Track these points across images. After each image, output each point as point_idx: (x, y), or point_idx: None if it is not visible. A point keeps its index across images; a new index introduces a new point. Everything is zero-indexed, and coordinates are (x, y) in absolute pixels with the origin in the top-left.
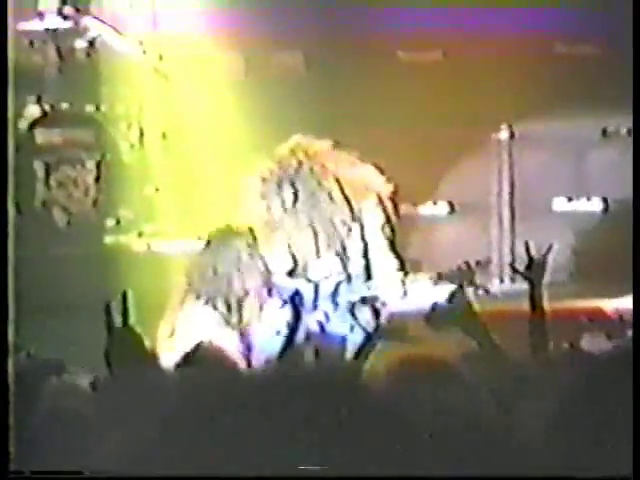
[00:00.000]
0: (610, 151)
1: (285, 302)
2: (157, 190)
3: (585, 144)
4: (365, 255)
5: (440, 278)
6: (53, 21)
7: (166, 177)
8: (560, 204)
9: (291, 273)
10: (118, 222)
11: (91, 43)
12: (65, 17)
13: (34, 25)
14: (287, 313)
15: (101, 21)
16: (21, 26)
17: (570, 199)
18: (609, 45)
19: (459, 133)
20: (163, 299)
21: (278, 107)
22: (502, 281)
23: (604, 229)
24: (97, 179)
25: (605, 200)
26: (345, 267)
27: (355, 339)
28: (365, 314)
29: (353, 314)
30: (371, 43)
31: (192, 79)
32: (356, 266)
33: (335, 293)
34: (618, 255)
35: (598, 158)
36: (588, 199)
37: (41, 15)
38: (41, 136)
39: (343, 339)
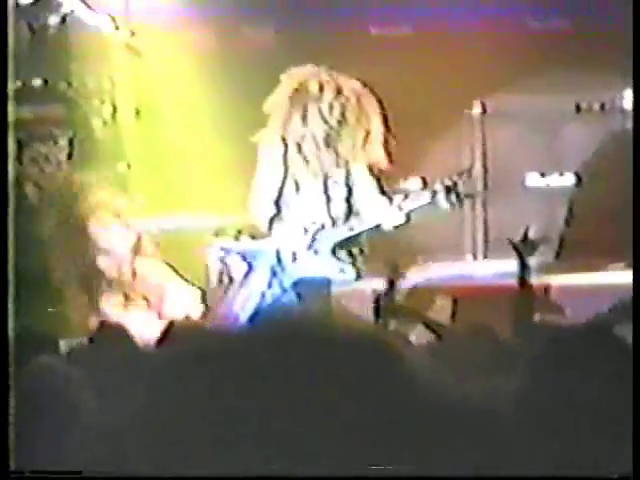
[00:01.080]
0: (583, 127)
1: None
2: (129, 167)
3: (558, 120)
4: (348, 199)
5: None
6: None
7: (139, 153)
8: (533, 180)
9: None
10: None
11: (63, 19)
12: None
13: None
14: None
15: None
16: None
17: (543, 175)
18: (581, 20)
19: (431, 108)
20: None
21: (248, 81)
22: (475, 258)
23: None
24: (69, 156)
25: (578, 175)
26: (329, 211)
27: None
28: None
29: (337, 257)
30: (343, 18)
31: (164, 55)
32: (339, 210)
33: (317, 237)
34: (592, 230)
35: (570, 134)
36: (561, 174)
37: None
38: (13, 112)
39: (328, 282)
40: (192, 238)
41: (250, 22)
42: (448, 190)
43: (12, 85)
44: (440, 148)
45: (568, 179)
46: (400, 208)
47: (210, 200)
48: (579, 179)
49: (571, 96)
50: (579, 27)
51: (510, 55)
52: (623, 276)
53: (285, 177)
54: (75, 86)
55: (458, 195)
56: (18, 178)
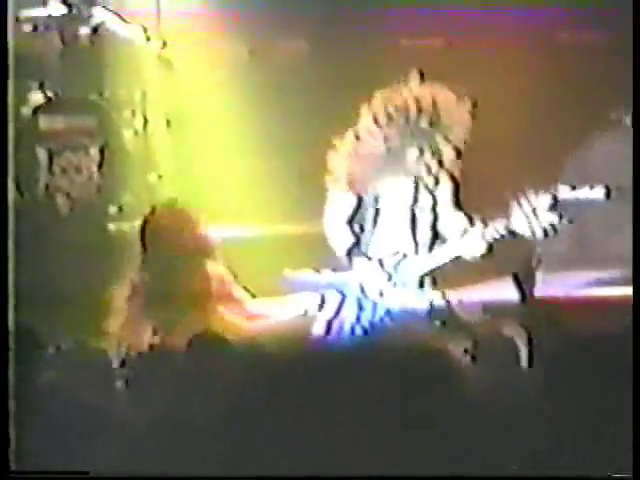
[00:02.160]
0: (613, 140)
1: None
2: (160, 177)
3: (588, 132)
4: (434, 226)
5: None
6: (57, 8)
7: (170, 164)
8: (564, 193)
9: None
10: (121, 209)
11: (95, 30)
12: (69, 4)
13: (37, 11)
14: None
15: (105, 8)
16: (24, 12)
17: (574, 188)
18: (611, 33)
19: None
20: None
21: (282, 93)
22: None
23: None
24: (100, 166)
25: (607, 188)
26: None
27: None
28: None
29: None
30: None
31: (196, 66)
32: (424, 237)
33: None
34: (618, 243)
35: (601, 147)
36: (591, 188)
37: (44, 2)
38: (44, 123)
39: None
40: None
41: (283, 34)
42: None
43: (42, 96)
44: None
45: (598, 192)
46: (483, 236)
47: (244, 212)
48: (608, 192)
49: (601, 108)
50: (609, 40)
51: (539, 67)
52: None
53: (360, 201)
54: (106, 96)
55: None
56: (48, 188)
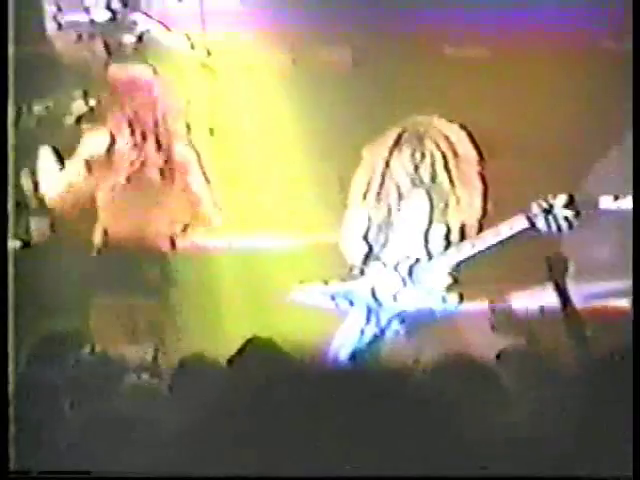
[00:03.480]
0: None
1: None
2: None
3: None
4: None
5: None
6: (101, 15)
7: (213, 172)
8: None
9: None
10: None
11: (139, 38)
12: (113, 11)
13: (81, 18)
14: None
15: (149, 16)
16: (68, 18)
17: (617, 197)
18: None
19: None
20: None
21: (325, 104)
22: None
23: None
24: None
25: None
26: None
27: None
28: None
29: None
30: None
31: (240, 75)
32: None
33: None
34: None
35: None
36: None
37: (87, 10)
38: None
39: (430, 312)
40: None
41: (327, 43)
42: (547, 212)
43: (85, 104)
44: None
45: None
46: (498, 234)
47: (287, 221)
48: None
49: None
50: None
51: (583, 75)
52: None
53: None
54: None
55: (556, 219)
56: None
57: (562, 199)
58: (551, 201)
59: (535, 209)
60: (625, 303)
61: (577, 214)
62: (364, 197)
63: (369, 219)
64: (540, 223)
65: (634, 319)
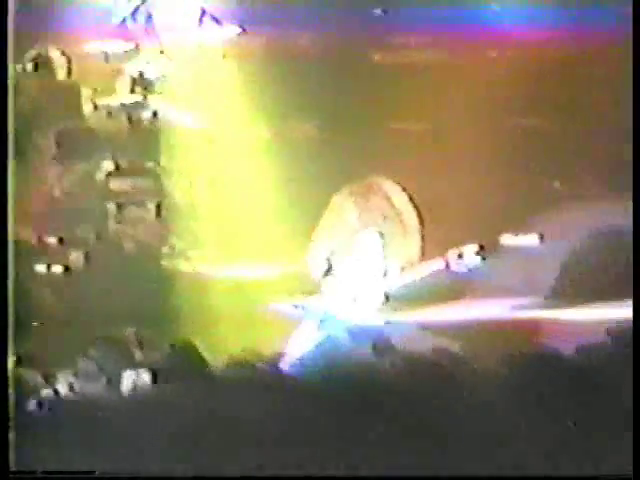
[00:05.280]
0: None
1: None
2: (203, 225)
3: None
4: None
5: None
6: (126, 97)
7: (211, 216)
8: None
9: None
10: (172, 249)
11: (154, 114)
12: (135, 93)
13: (112, 101)
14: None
15: (162, 98)
16: (103, 101)
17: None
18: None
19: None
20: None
21: (300, 167)
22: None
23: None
24: (157, 216)
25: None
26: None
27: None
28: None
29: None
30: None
31: (231, 144)
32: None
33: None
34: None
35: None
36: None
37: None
38: (114, 184)
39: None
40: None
41: (297, 115)
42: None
43: (112, 163)
44: None
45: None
46: (422, 271)
47: (267, 251)
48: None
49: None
50: None
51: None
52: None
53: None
54: (162, 164)
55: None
56: (118, 234)
57: (472, 248)
58: (462, 249)
59: (450, 255)
60: (532, 314)
61: (483, 259)
62: (326, 233)
63: (329, 251)
64: (453, 265)
65: (634, 321)
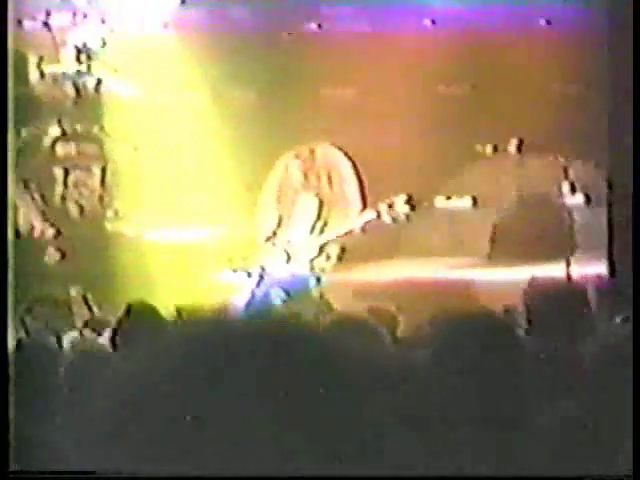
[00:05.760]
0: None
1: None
2: (147, 190)
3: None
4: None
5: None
6: (71, 65)
7: (155, 181)
8: None
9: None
10: (116, 213)
11: (98, 81)
12: (80, 62)
13: (58, 69)
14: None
15: (105, 67)
16: (49, 69)
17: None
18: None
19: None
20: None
21: (242, 132)
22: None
23: None
24: (102, 181)
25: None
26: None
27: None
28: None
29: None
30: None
31: (170, 110)
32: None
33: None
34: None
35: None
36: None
37: (59, 59)
38: (60, 149)
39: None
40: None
41: (236, 82)
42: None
43: (59, 129)
44: None
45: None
46: (353, 223)
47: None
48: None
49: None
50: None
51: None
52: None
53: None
54: (106, 130)
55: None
56: (63, 198)
57: (402, 198)
58: (393, 199)
59: (381, 205)
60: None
61: (412, 208)
62: (270, 197)
63: (271, 214)
64: (384, 216)
65: (634, 320)
